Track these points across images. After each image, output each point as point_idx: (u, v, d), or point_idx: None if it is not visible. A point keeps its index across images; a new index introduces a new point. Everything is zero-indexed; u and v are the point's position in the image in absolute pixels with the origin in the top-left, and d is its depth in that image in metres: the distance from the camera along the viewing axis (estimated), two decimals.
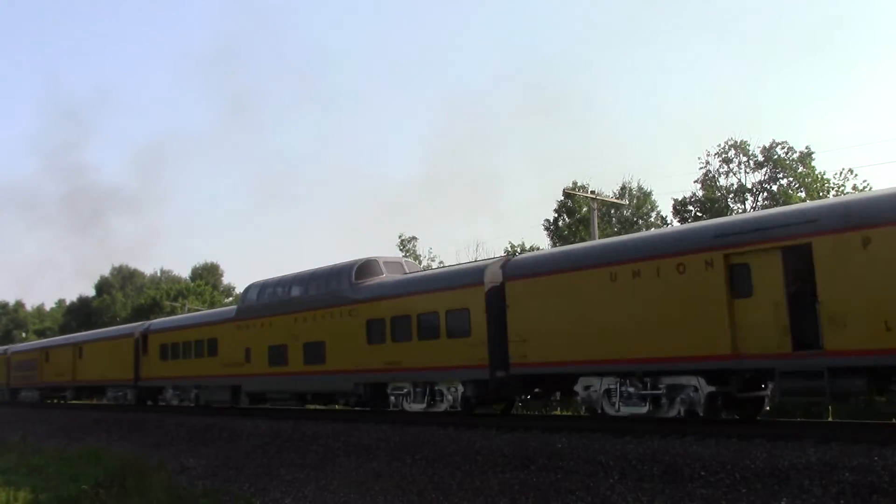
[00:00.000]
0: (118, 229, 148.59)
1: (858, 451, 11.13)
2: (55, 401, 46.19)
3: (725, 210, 39.54)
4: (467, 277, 19.27)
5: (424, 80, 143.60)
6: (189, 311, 60.39)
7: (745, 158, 41.88)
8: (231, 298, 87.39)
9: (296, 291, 24.71)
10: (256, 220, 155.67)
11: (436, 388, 19.79)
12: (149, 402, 35.27)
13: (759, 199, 40.86)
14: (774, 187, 40.61)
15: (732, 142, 42.19)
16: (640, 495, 11.71)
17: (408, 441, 17.13)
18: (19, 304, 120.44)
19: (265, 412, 27.51)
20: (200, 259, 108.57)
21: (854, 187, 36.11)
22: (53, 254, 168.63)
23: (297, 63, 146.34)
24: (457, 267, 21.70)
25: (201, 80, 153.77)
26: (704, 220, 27.71)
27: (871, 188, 33.87)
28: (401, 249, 55.81)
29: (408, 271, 23.05)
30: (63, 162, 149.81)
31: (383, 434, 18.24)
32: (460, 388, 19.11)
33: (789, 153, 40.56)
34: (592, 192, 37.93)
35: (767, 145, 41.11)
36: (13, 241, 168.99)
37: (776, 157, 40.69)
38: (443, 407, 19.62)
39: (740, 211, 39.23)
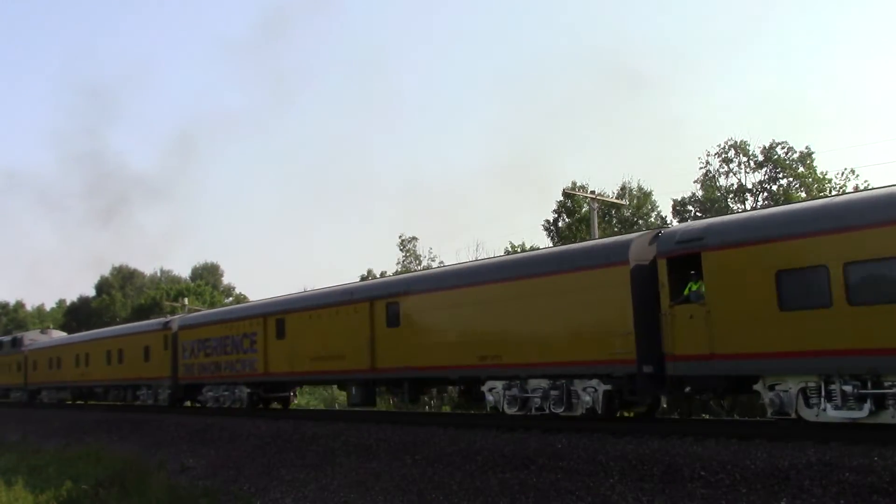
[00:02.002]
0: (139, 223, 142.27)
1: (858, 451, 11.13)
2: (277, 404, 28.55)
3: (725, 210, 39.55)
4: None
5: (488, 68, 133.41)
6: (189, 311, 54.50)
7: (744, 158, 41.90)
8: (231, 298, 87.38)
9: None
10: (293, 217, 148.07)
11: None
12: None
13: (760, 199, 40.87)
14: (774, 187, 40.63)
15: (732, 142, 42.22)
16: (640, 495, 11.71)
17: (408, 441, 17.13)
18: (19, 304, 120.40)
19: (266, 412, 27.48)
20: (203, 259, 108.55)
21: (856, 188, 36.13)
22: (68, 247, 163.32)
23: (346, 46, 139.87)
24: None
25: (239, 63, 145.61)
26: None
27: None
28: (401, 249, 55.85)
29: None
30: (83, 149, 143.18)
31: (383, 434, 18.24)
32: None
33: (789, 153, 40.57)
34: (592, 192, 37.96)
35: (767, 145, 41.14)
36: (25, 233, 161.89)
37: (776, 157, 40.70)
38: None
39: (739, 211, 39.20)
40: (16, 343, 48.35)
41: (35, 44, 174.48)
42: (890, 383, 11.91)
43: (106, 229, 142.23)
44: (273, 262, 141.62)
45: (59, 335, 49.34)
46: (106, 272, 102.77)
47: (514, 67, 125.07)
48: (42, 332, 50.38)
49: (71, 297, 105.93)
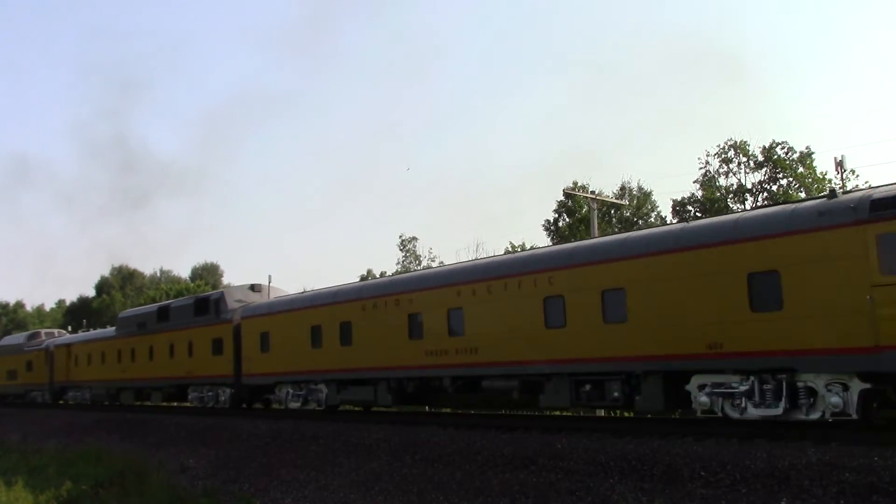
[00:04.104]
0: (161, 215, 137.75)
1: (858, 452, 11.14)
2: None
3: (725, 210, 39.56)
4: None
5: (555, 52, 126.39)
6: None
7: (744, 159, 41.96)
8: None
9: None
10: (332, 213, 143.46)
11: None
12: None
13: (759, 199, 40.93)
14: (774, 187, 40.68)
15: (732, 142, 42.28)
16: (640, 495, 11.71)
17: (408, 441, 17.14)
18: (19, 305, 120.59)
19: (265, 412, 27.47)
20: (203, 259, 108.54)
21: (855, 188, 36.13)
22: (84, 242, 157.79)
23: (393, 29, 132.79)
24: None
25: (275, 47, 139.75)
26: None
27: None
28: (401, 249, 55.90)
29: None
30: (103, 135, 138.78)
31: (383, 434, 18.25)
32: None
33: (789, 153, 40.63)
34: (592, 192, 37.97)
35: (767, 145, 41.19)
36: (39, 226, 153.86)
37: (776, 157, 40.75)
38: None
39: (739, 211, 39.27)
40: (209, 306, 28.77)
41: (54, 21, 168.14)
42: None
43: (125, 223, 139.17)
44: (284, 262, 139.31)
45: (278, 292, 29.72)
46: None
47: (574, 54, 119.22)
48: (252, 288, 29.64)
49: (71, 298, 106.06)
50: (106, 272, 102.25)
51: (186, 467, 20.31)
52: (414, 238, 55.60)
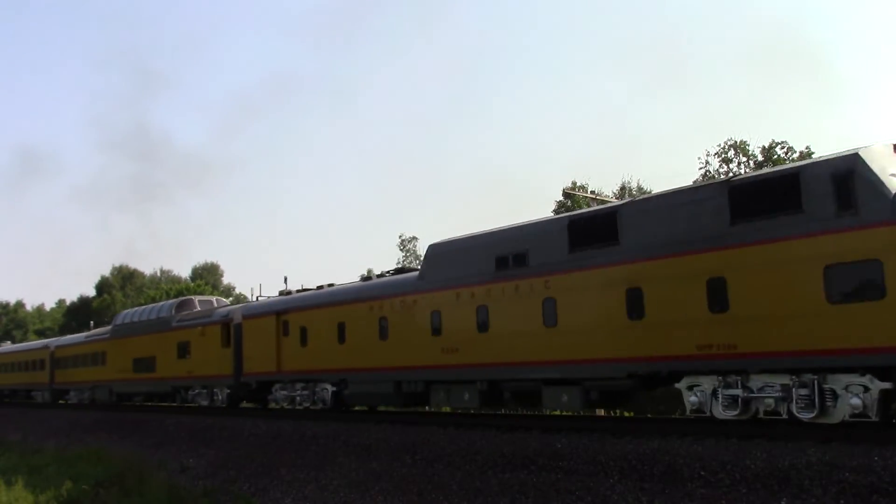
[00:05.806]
0: (178, 208, 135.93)
1: (858, 451, 11.14)
2: None
3: None
4: None
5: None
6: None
7: (744, 158, 41.95)
8: (231, 298, 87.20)
9: None
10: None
11: None
12: None
13: None
14: None
15: (732, 142, 42.29)
16: (640, 495, 11.72)
17: (408, 441, 17.13)
18: (19, 304, 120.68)
19: (265, 412, 27.48)
20: (203, 258, 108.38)
21: None
22: (98, 238, 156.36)
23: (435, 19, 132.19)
24: None
25: (306, 34, 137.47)
26: None
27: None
28: (401, 250, 55.83)
29: None
30: (121, 125, 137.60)
31: (383, 434, 18.25)
32: None
33: (789, 153, 40.61)
34: (592, 192, 37.96)
35: (767, 145, 41.19)
36: (51, 221, 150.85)
37: (776, 157, 40.73)
38: None
39: None
40: (785, 192, 12.80)
41: (72, 9, 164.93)
42: None
43: (140, 215, 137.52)
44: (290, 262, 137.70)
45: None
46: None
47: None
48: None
49: (72, 297, 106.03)
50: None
51: (186, 467, 20.32)
52: (414, 238, 55.54)
